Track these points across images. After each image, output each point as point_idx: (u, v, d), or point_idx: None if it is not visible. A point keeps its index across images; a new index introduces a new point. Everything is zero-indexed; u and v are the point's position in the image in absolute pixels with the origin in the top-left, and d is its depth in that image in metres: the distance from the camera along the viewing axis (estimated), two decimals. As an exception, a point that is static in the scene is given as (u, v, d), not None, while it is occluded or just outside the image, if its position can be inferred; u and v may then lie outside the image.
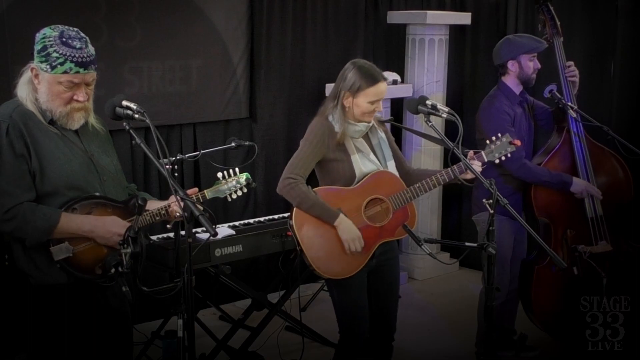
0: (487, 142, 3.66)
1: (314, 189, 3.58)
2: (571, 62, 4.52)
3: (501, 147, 3.62)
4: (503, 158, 3.64)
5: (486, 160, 3.59)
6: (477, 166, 3.53)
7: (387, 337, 3.81)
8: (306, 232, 3.54)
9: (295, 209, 3.55)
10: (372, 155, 3.63)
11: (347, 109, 3.57)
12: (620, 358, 4.27)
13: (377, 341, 3.81)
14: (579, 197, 4.35)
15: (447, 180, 3.59)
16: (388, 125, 3.85)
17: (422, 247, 3.22)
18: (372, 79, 3.54)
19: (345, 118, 3.58)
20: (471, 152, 3.58)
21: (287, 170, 3.58)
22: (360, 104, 3.54)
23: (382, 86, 3.56)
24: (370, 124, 3.64)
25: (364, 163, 3.59)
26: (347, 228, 3.51)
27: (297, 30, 5.90)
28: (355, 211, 3.56)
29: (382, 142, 3.69)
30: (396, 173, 3.67)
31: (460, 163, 3.52)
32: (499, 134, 3.66)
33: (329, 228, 3.53)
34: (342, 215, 3.51)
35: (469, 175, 3.56)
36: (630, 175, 4.50)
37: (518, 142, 3.66)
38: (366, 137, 3.66)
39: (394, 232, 3.62)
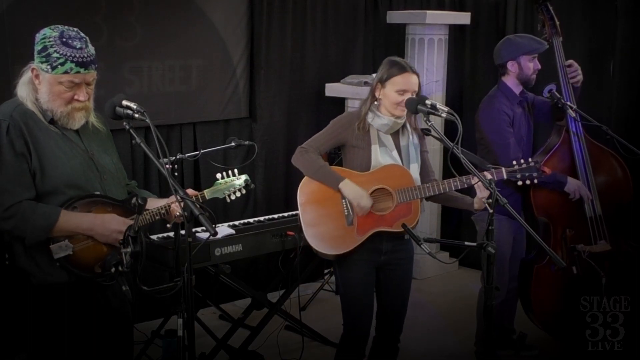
0: (514, 162, 3.62)
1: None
2: (571, 61, 4.52)
3: (528, 170, 3.59)
4: (527, 182, 3.61)
5: (505, 177, 3.57)
6: (481, 191, 3.45)
7: (392, 337, 3.82)
8: (307, 204, 3.65)
9: (302, 181, 3.67)
10: (395, 152, 3.66)
11: (379, 101, 3.65)
12: (620, 358, 4.27)
13: (383, 341, 3.82)
14: (572, 198, 4.35)
15: (459, 187, 3.59)
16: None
17: (422, 246, 3.23)
18: (400, 68, 3.62)
19: (370, 110, 3.65)
20: (488, 175, 3.53)
21: (305, 142, 3.71)
22: (388, 93, 3.61)
23: (410, 76, 3.61)
24: (400, 122, 3.66)
25: (382, 156, 3.63)
26: (353, 188, 3.57)
27: (297, 30, 5.91)
28: None
29: (411, 145, 3.70)
30: (415, 175, 3.68)
31: (472, 174, 3.50)
32: (530, 158, 3.64)
33: (328, 204, 3.61)
34: (346, 179, 3.57)
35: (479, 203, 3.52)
36: (629, 175, 4.50)
37: (548, 171, 3.64)
38: (396, 136, 3.70)
39: (392, 224, 3.62)
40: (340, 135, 3.68)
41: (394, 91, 3.59)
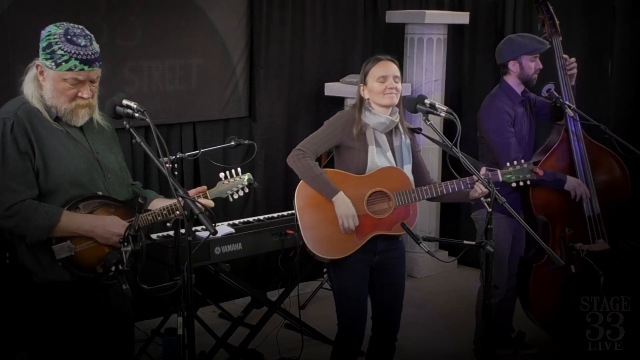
0: (507, 164, 3.64)
1: (323, 170, 3.65)
2: (566, 55, 4.52)
3: (521, 171, 3.60)
4: (521, 184, 3.62)
5: (500, 180, 3.57)
6: (480, 189, 3.50)
7: (389, 337, 3.82)
8: (305, 208, 3.62)
9: (299, 184, 3.63)
10: (389, 153, 3.67)
11: (367, 102, 3.67)
12: (620, 358, 4.27)
13: (380, 340, 3.82)
14: (573, 197, 4.37)
15: (457, 190, 3.59)
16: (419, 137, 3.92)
17: (421, 245, 3.24)
18: (375, 60, 3.68)
19: (366, 109, 3.67)
20: (484, 169, 3.56)
21: (301, 143, 3.69)
22: (371, 86, 3.63)
23: (385, 64, 3.65)
24: (396, 121, 3.67)
25: (379, 157, 3.63)
26: (344, 205, 3.56)
27: (297, 30, 5.92)
28: (358, 198, 3.59)
29: (404, 146, 3.72)
30: (410, 175, 3.70)
31: (472, 176, 3.51)
32: (522, 160, 3.64)
33: (326, 208, 3.58)
34: (341, 193, 3.56)
35: (477, 194, 3.55)
36: (628, 174, 4.52)
37: (540, 172, 3.65)
38: (390, 136, 3.71)
39: (391, 227, 3.63)
40: (337, 136, 3.67)
41: (375, 81, 3.62)
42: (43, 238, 2.87)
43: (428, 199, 3.70)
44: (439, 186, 3.62)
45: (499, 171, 3.60)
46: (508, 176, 3.60)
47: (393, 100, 3.64)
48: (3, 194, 2.83)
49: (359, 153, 3.64)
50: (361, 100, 3.69)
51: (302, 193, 3.65)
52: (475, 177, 3.51)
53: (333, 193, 3.57)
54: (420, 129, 3.88)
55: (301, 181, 3.66)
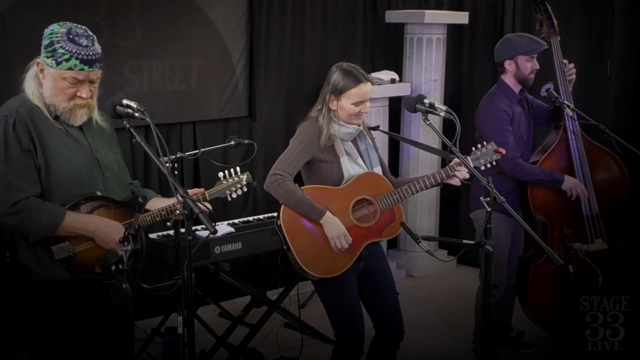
0: (473, 148, 3.68)
1: (302, 188, 3.60)
2: (566, 61, 4.53)
3: (487, 154, 3.65)
4: (489, 165, 3.66)
5: (472, 165, 3.58)
6: (463, 172, 3.57)
7: (395, 341, 3.79)
8: (293, 231, 3.55)
9: (282, 207, 3.57)
10: (360, 160, 3.66)
11: (334, 112, 3.61)
12: (620, 358, 4.27)
13: (384, 345, 3.79)
14: (570, 196, 4.38)
15: (434, 184, 3.62)
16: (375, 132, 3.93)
17: (420, 244, 3.25)
18: (354, 80, 3.55)
19: (332, 121, 3.61)
20: (456, 160, 3.58)
21: (275, 166, 3.61)
22: (345, 106, 3.57)
23: (364, 87, 3.56)
24: (360, 128, 3.66)
25: (352, 166, 3.61)
26: (333, 225, 3.52)
27: (296, 29, 5.93)
28: (343, 211, 3.57)
29: (369, 148, 3.72)
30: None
31: (447, 167, 3.58)
32: (484, 142, 3.69)
33: (315, 226, 3.55)
34: (328, 213, 3.52)
35: (454, 181, 3.60)
36: (626, 173, 4.53)
37: (503, 151, 3.68)
38: (354, 141, 3.69)
39: (381, 233, 3.64)
40: (309, 151, 3.59)
41: (350, 104, 3.56)
42: (47, 236, 2.88)
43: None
44: (417, 183, 3.62)
45: (468, 158, 3.61)
46: (477, 161, 3.63)
47: (362, 120, 3.65)
48: (7, 191, 2.84)
49: (331, 165, 3.61)
50: (328, 109, 3.61)
51: (286, 216, 3.56)
52: (449, 169, 3.57)
53: (320, 215, 3.51)
54: (377, 126, 3.88)
55: (283, 205, 3.58)
